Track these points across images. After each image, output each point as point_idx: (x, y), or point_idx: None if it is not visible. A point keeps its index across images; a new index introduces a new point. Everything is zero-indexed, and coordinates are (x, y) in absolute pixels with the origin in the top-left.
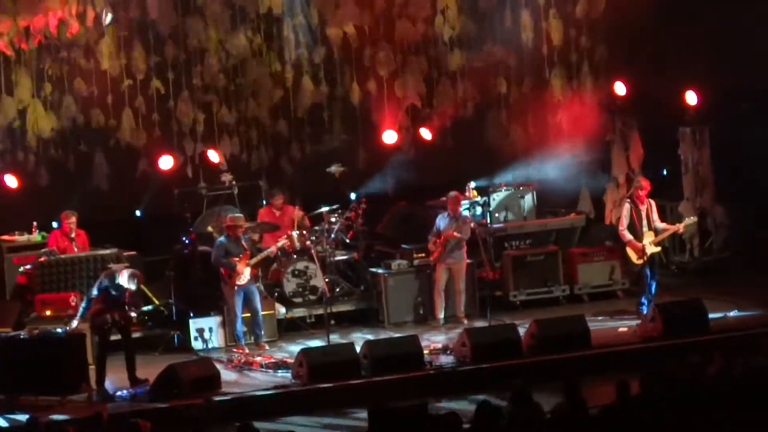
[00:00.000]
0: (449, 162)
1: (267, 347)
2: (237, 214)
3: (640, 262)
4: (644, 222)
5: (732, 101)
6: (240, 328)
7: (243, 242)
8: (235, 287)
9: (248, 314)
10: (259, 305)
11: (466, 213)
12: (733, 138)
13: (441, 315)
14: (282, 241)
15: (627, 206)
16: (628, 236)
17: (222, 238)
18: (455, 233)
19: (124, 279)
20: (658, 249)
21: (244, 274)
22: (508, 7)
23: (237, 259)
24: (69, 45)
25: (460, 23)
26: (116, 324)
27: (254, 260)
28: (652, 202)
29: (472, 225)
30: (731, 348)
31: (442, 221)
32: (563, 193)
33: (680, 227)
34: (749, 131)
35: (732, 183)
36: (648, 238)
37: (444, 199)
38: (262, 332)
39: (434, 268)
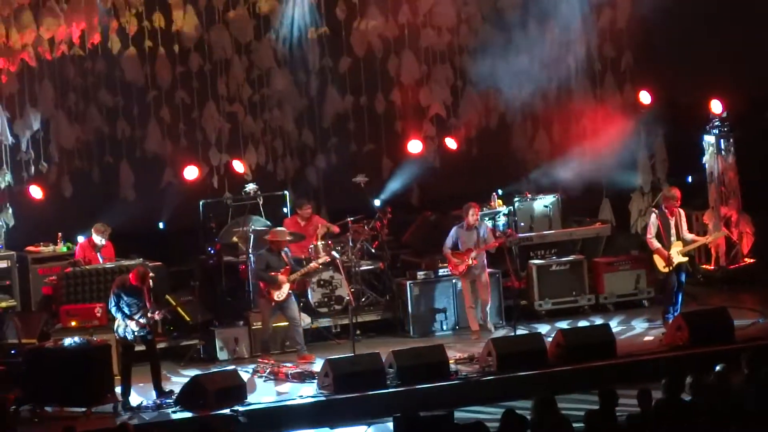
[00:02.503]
0: (474, 171)
1: (314, 359)
2: (279, 228)
3: (666, 270)
4: (672, 231)
5: (757, 110)
6: (270, 340)
7: (284, 256)
8: (273, 302)
9: (285, 323)
10: (296, 314)
11: (486, 223)
12: (758, 146)
13: (476, 327)
14: (322, 258)
15: (655, 215)
16: (656, 244)
17: (263, 251)
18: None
19: None
20: (686, 259)
21: (283, 290)
22: (533, 17)
23: (277, 273)
24: (93, 55)
25: (485, 33)
26: (141, 332)
27: (294, 276)
28: (682, 212)
29: (497, 234)
30: (757, 357)
31: (460, 234)
32: (588, 202)
33: (708, 239)
34: None
35: (758, 191)
36: (675, 247)
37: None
38: (303, 342)
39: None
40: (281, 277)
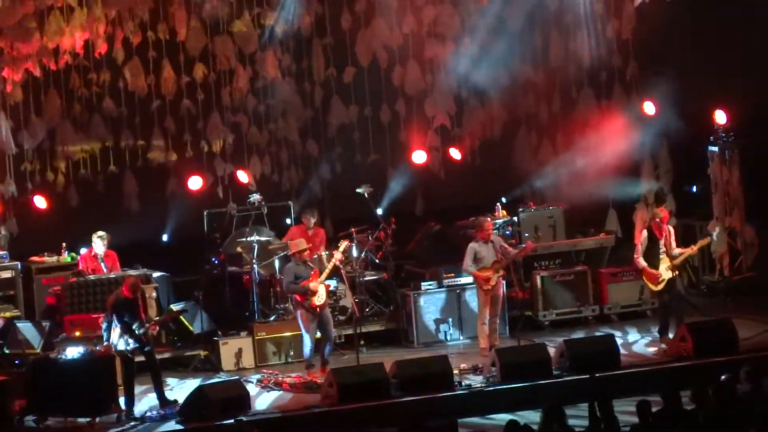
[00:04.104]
0: (478, 181)
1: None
2: (297, 240)
3: (657, 289)
4: (661, 250)
5: (762, 120)
6: (311, 351)
7: (310, 263)
8: (316, 309)
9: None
10: (332, 332)
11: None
12: (763, 157)
13: (485, 344)
14: (343, 245)
15: (645, 234)
16: (643, 263)
17: (290, 264)
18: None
19: None
20: (675, 273)
21: (320, 293)
22: (537, 27)
23: (308, 281)
24: (98, 65)
25: (489, 42)
26: (137, 344)
27: (324, 275)
28: (671, 230)
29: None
30: (761, 368)
31: (478, 249)
32: (592, 212)
33: (694, 249)
34: None
35: (762, 202)
36: (664, 264)
37: (473, 219)
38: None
39: (486, 294)
40: (313, 284)
